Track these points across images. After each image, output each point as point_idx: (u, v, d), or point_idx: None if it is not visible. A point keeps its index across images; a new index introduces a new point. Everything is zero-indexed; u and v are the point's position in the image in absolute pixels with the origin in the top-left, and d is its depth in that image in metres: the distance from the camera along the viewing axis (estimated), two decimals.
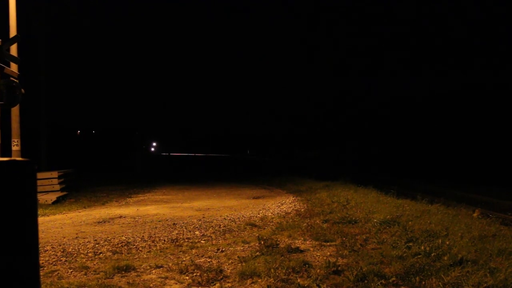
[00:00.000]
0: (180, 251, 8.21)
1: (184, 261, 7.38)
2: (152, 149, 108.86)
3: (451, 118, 49.64)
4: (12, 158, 1.82)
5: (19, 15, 14.79)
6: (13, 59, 10.93)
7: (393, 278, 6.02)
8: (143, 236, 9.70)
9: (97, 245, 8.77)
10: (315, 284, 5.77)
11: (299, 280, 6.01)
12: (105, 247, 8.63)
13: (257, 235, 9.18)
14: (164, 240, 9.21)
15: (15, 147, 15.06)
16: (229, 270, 6.79)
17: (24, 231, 1.90)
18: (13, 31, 14.57)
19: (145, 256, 7.92)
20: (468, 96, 48.99)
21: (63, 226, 11.43)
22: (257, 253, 7.72)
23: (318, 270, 6.48)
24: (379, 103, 65.20)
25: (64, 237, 9.76)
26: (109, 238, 9.47)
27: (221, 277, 6.44)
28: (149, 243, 8.98)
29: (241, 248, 8.34)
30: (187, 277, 6.45)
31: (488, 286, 5.49)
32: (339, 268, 6.54)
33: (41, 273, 6.70)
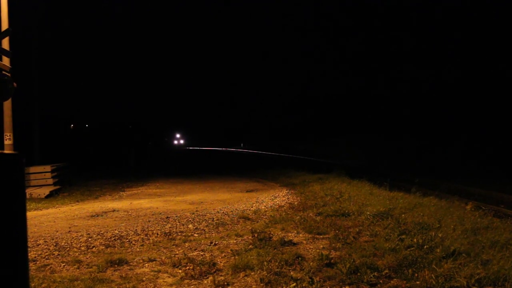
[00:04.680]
0: (173, 245, 8.21)
1: (177, 254, 7.39)
2: (175, 142, 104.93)
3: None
4: None
5: (10, 7, 14.68)
6: (4, 52, 10.87)
7: (386, 271, 6.03)
8: (136, 229, 9.68)
9: (90, 239, 8.75)
10: (307, 277, 5.77)
11: (292, 273, 6.02)
12: (98, 240, 8.62)
13: (250, 228, 9.19)
14: (157, 234, 9.20)
15: (8, 141, 15.00)
16: (222, 263, 6.80)
17: (11, 225, 1.89)
18: (4, 25, 14.47)
19: (138, 249, 7.92)
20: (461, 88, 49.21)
21: (56, 220, 11.40)
22: (250, 246, 7.73)
23: (311, 263, 6.49)
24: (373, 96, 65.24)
25: (57, 231, 9.74)
26: (102, 232, 9.45)
27: (214, 270, 6.44)
28: (142, 236, 8.98)
29: (234, 241, 8.35)
30: (180, 271, 6.46)
31: (480, 278, 5.50)
32: (332, 260, 6.56)
33: (33, 267, 6.71)
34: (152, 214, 11.88)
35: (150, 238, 8.82)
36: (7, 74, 9.30)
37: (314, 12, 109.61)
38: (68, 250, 7.89)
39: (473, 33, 54.84)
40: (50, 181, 18.17)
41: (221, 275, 6.21)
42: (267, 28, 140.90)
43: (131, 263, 6.90)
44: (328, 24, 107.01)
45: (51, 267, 6.82)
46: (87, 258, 7.31)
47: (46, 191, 16.83)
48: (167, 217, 11.27)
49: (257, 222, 10.43)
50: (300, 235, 8.72)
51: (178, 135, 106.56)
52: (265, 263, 6.42)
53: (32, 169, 18.20)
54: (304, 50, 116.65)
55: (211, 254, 7.36)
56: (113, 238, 8.80)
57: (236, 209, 12.51)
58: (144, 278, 6.14)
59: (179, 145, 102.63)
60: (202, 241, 8.45)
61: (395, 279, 5.79)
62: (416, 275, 5.79)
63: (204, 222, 10.50)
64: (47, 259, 7.33)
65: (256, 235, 8.20)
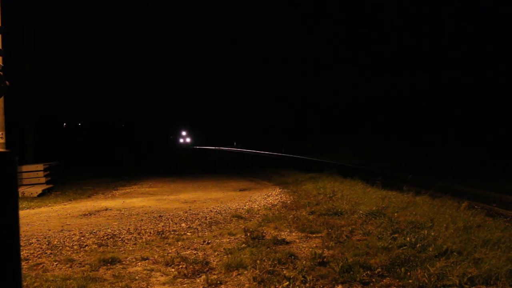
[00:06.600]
0: (166, 244, 8.20)
1: (170, 253, 7.38)
2: (181, 140, 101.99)
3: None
4: None
5: (4, 5, 14.57)
6: None
7: (379, 269, 6.05)
8: (129, 228, 9.66)
9: (82, 238, 8.72)
10: (300, 276, 5.77)
11: (284, 272, 6.02)
12: (91, 239, 8.59)
13: (243, 227, 9.19)
14: (150, 233, 9.18)
15: (0, 139, 14.92)
16: (215, 262, 6.79)
17: (4, 222, 1.88)
18: None
19: (130, 248, 7.90)
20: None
21: (48, 218, 11.36)
22: (243, 245, 7.73)
23: (304, 262, 6.50)
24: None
25: (50, 230, 9.71)
26: (94, 231, 9.43)
27: (207, 269, 6.44)
28: (135, 235, 8.96)
29: (227, 240, 8.35)
30: (173, 269, 6.45)
31: (472, 276, 5.53)
32: (325, 259, 6.57)
33: (26, 266, 6.69)
34: (145, 213, 11.86)
35: (143, 237, 8.80)
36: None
37: (311, 14, 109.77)
38: (60, 249, 7.86)
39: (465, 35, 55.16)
40: (43, 179, 18.12)
41: (214, 274, 6.20)
42: (266, 30, 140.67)
43: (124, 262, 6.89)
44: (325, 27, 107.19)
45: (43, 266, 6.79)
46: (79, 257, 7.29)
47: (38, 189, 16.77)
48: (160, 216, 11.25)
49: (250, 221, 10.43)
50: (293, 234, 8.74)
51: (184, 133, 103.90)
52: (258, 261, 6.42)
53: (25, 167, 18.14)
54: (301, 51, 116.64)
55: (204, 253, 7.36)
56: (105, 237, 8.78)
57: (229, 208, 12.51)
58: (137, 277, 6.13)
59: (185, 143, 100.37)
60: (195, 240, 8.45)
61: (387, 278, 5.81)
62: (408, 273, 5.81)
63: (197, 221, 10.49)
64: (39, 258, 7.30)
65: (249, 234, 8.21)
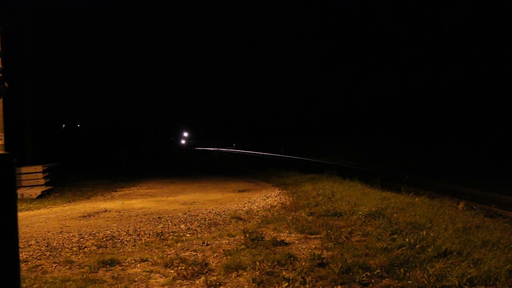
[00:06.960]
0: (165, 245, 8.20)
1: (169, 254, 7.38)
2: (183, 141, 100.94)
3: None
4: None
5: (2, 5, 14.56)
6: None
7: (378, 270, 6.05)
8: (128, 230, 9.66)
9: (81, 239, 8.72)
10: (300, 277, 5.78)
11: (284, 273, 6.02)
12: (90, 241, 8.59)
13: (242, 228, 9.19)
14: (149, 234, 9.18)
15: None
16: (214, 264, 6.79)
17: (3, 223, 1.88)
18: None
19: (130, 250, 7.90)
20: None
21: (47, 220, 11.36)
22: (242, 246, 7.73)
23: (303, 263, 6.50)
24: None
25: (49, 232, 9.71)
26: (94, 232, 9.43)
27: (206, 270, 6.43)
28: (134, 237, 8.95)
29: (227, 241, 8.35)
30: (172, 271, 6.45)
31: (471, 277, 5.53)
32: (324, 260, 6.56)
33: (25, 268, 6.68)
34: (144, 215, 11.86)
35: (142, 239, 8.80)
36: None
37: (311, 14, 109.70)
38: (59, 251, 7.86)
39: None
40: (42, 181, 18.11)
41: (213, 275, 6.20)
42: (266, 30, 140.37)
43: (123, 264, 6.88)
44: (324, 27, 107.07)
45: (42, 267, 6.79)
46: (79, 259, 7.28)
47: (37, 191, 16.77)
48: (159, 217, 11.25)
49: (249, 222, 10.42)
50: (292, 235, 8.73)
51: (185, 134, 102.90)
52: (257, 263, 6.42)
53: (24, 169, 18.13)
54: (301, 51, 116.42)
55: (203, 254, 7.36)
56: (105, 239, 8.78)
57: (228, 209, 12.50)
58: (136, 279, 6.12)
59: (186, 144, 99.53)
60: (194, 241, 8.45)
61: (387, 279, 5.81)
62: (408, 274, 5.81)
63: (196, 222, 10.48)
64: (38, 259, 7.30)
65: (248, 235, 8.20)
